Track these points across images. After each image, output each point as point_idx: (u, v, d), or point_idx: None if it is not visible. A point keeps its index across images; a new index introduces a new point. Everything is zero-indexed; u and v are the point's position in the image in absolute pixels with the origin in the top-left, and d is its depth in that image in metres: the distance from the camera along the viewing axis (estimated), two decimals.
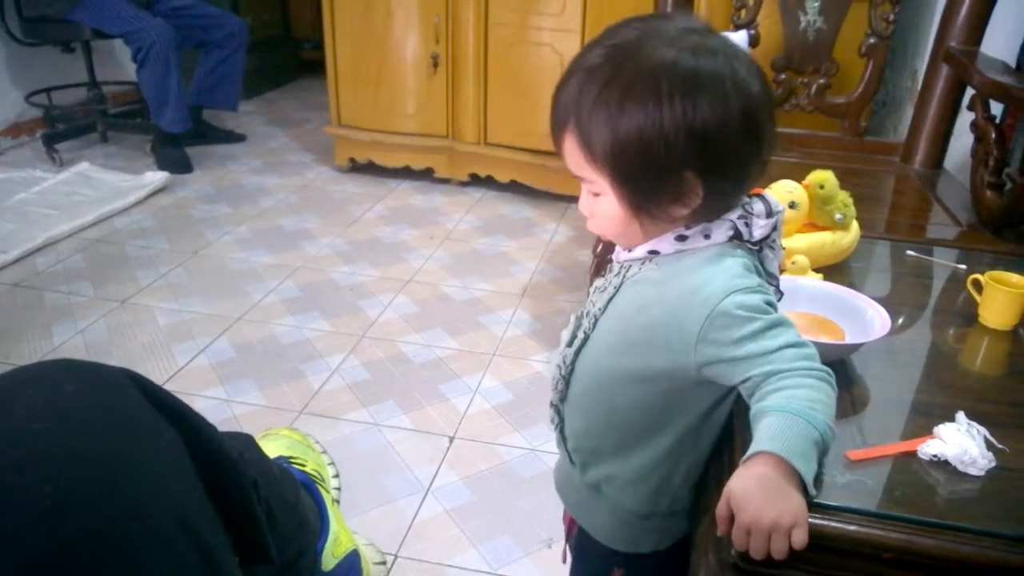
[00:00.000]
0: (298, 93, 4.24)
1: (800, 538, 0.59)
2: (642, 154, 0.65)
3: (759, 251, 0.73)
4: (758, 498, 0.60)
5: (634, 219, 0.71)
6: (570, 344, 0.80)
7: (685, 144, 0.65)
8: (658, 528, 0.83)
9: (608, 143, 0.66)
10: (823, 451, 0.64)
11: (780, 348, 0.67)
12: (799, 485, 0.61)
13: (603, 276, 0.80)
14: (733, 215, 0.71)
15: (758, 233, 0.71)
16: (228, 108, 3.25)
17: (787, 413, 0.63)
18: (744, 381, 0.68)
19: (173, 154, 3.00)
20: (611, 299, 0.77)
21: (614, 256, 0.79)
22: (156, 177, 2.82)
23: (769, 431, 0.63)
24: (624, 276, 0.76)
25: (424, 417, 1.65)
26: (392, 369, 1.82)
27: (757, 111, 0.67)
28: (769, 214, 0.71)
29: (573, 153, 0.69)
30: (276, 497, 0.82)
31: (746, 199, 0.72)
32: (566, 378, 0.81)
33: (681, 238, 0.71)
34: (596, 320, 0.78)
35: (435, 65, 2.74)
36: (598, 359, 0.78)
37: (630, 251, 0.75)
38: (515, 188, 2.85)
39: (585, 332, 0.79)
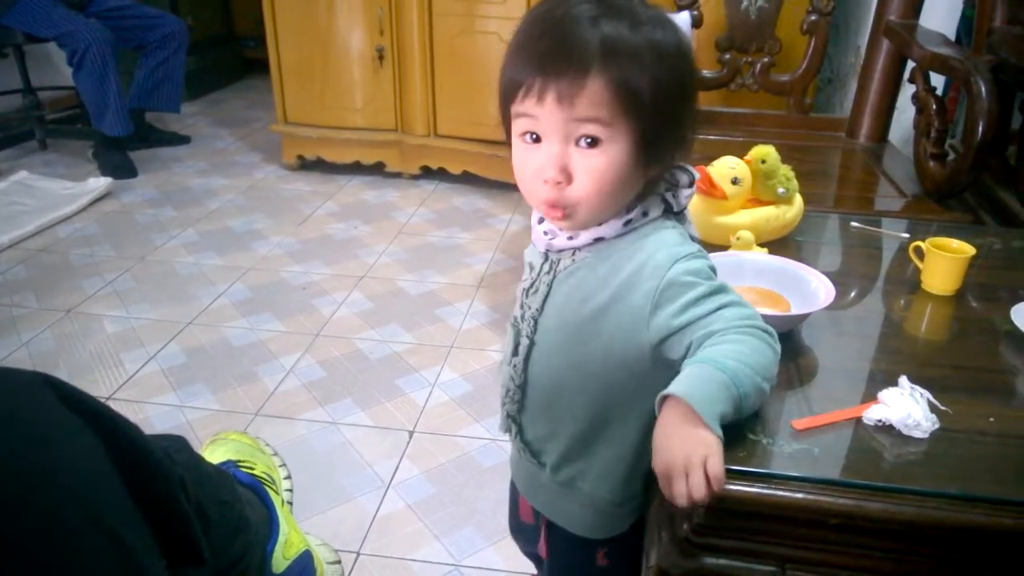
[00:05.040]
0: (243, 92, 4.16)
1: (714, 466, 0.59)
2: (680, 92, 0.67)
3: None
4: (667, 442, 0.61)
5: (636, 170, 0.68)
6: (515, 353, 0.78)
7: (694, 86, 0.68)
8: (635, 508, 0.82)
9: (649, 80, 0.64)
10: (736, 395, 0.63)
11: (719, 308, 0.67)
12: (706, 424, 0.61)
13: (527, 277, 0.78)
14: (661, 188, 0.72)
15: (684, 203, 0.72)
16: (170, 110, 3.17)
17: (697, 363, 0.64)
18: (687, 350, 0.68)
19: (116, 159, 2.92)
20: (546, 297, 0.75)
21: (541, 246, 0.75)
22: (99, 183, 2.74)
23: (676, 379, 0.65)
24: (555, 271, 0.75)
25: (382, 413, 1.63)
26: (349, 366, 1.79)
27: None
28: (691, 183, 0.73)
29: (596, 95, 0.64)
30: (210, 497, 0.79)
31: (671, 171, 0.73)
32: (521, 387, 0.79)
33: (627, 222, 0.71)
34: (535, 322, 0.76)
35: (381, 58, 2.71)
36: (550, 360, 0.76)
37: (571, 238, 0.72)
38: (468, 179, 2.83)
39: (528, 337, 0.77)
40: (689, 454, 0.60)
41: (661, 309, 0.68)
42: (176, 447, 0.82)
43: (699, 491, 0.59)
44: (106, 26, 2.78)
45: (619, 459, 0.78)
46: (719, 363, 0.63)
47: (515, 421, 0.82)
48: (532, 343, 0.76)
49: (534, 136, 0.67)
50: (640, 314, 0.69)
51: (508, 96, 0.68)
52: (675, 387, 0.63)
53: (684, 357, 0.68)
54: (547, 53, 0.64)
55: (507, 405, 0.82)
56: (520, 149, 0.69)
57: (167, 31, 2.99)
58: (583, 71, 0.63)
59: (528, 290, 0.77)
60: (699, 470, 0.59)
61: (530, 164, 0.68)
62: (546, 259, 0.76)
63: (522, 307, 0.77)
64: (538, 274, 0.76)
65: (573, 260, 0.73)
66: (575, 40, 0.63)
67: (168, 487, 0.69)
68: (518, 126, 0.68)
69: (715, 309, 0.67)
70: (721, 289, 0.69)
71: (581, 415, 0.76)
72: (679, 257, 0.68)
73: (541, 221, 0.76)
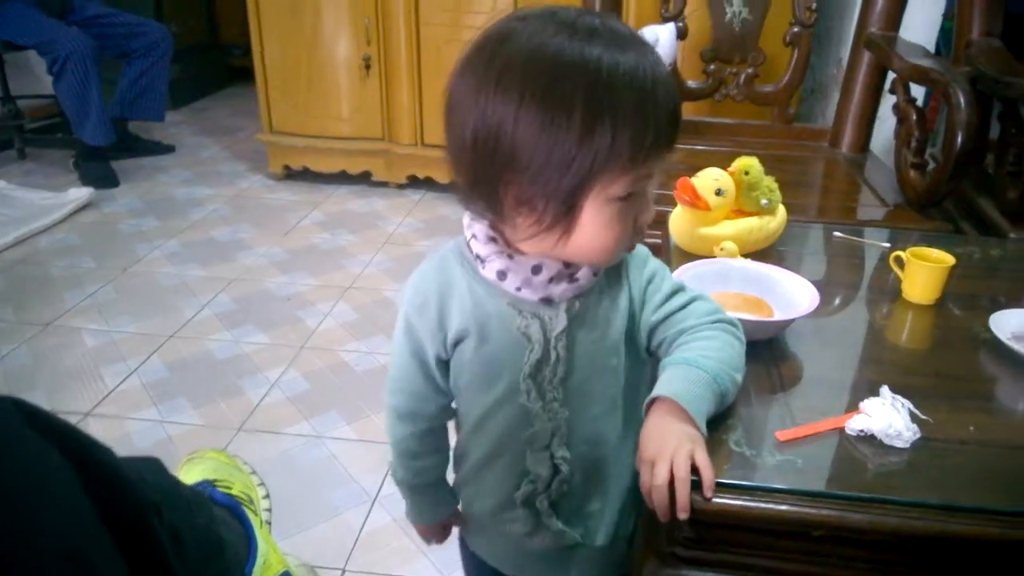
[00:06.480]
0: (229, 101, 4.14)
1: (702, 457, 0.63)
2: None
3: None
4: (657, 434, 0.64)
5: None
6: (554, 433, 0.70)
7: None
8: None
9: None
10: (718, 392, 0.67)
11: (688, 303, 0.71)
12: (694, 422, 0.65)
13: (530, 346, 0.69)
14: None
15: None
16: (154, 119, 3.14)
17: (679, 364, 0.68)
18: (659, 345, 0.71)
19: (98, 168, 2.90)
20: (571, 359, 0.69)
21: (535, 299, 0.68)
22: (80, 193, 2.72)
23: (662, 380, 0.68)
24: (569, 317, 0.68)
25: (368, 426, 1.62)
26: (334, 379, 1.78)
27: None
28: None
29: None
30: (184, 522, 0.78)
31: None
32: (571, 463, 0.72)
33: None
34: (562, 386, 0.69)
35: (367, 67, 2.70)
36: (586, 413, 0.71)
37: (572, 278, 0.67)
38: (455, 189, 2.82)
39: (560, 404, 0.70)
40: (677, 445, 0.63)
41: (646, 306, 0.71)
42: (151, 469, 0.80)
43: (682, 473, 0.61)
44: (88, 34, 2.75)
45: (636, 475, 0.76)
46: (699, 363, 0.67)
47: (554, 508, 0.74)
48: (569, 411, 0.70)
49: (631, 192, 0.61)
50: (636, 312, 0.71)
51: (619, 160, 0.59)
52: (664, 389, 0.66)
53: (657, 347, 0.72)
54: (669, 109, 0.60)
55: (550, 495, 0.73)
56: (615, 209, 0.61)
57: (151, 39, 2.97)
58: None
59: (541, 361, 0.68)
60: (687, 459, 0.62)
61: (627, 218, 0.63)
62: (539, 319, 0.68)
63: (536, 382, 0.69)
64: (544, 336, 0.68)
65: (579, 302, 0.68)
66: (665, 84, 0.60)
67: (141, 512, 0.67)
68: (621, 186, 0.60)
69: (685, 304, 0.71)
70: (682, 285, 0.73)
71: (620, 455, 0.73)
72: (647, 255, 0.73)
73: (519, 289, 0.67)
